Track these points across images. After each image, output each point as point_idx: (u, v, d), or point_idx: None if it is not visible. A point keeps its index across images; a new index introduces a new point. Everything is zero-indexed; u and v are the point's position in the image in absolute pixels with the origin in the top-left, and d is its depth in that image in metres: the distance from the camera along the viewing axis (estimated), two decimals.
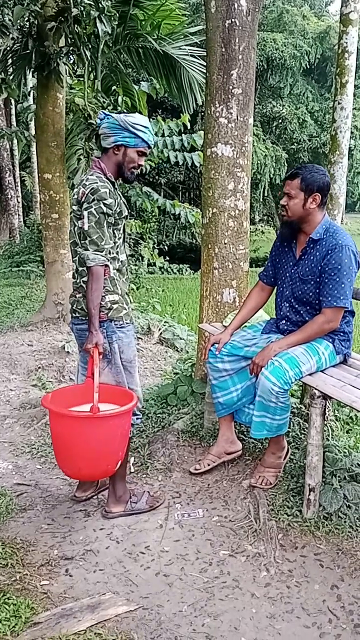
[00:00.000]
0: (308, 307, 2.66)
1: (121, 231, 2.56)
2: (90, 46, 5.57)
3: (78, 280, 2.53)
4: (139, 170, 2.59)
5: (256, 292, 2.91)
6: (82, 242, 2.43)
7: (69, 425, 2.31)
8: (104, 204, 2.39)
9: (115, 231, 2.50)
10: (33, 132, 10.05)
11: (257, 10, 3.08)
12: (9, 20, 4.91)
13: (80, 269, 2.50)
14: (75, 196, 2.48)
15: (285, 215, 2.61)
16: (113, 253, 2.49)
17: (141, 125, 2.46)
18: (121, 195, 2.56)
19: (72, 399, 2.51)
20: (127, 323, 2.55)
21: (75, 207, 2.49)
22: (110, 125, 2.46)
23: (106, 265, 2.41)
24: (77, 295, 2.54)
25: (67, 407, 2.44)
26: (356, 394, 2.36)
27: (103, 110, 2.57)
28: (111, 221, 2.45)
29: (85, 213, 2.38)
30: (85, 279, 2.44)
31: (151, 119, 8.80)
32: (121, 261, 2.57)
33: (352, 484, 2.50)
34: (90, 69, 5.83)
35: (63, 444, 2.36)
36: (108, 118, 2.47)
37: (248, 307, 2.90)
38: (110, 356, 2.49)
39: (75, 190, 2.52)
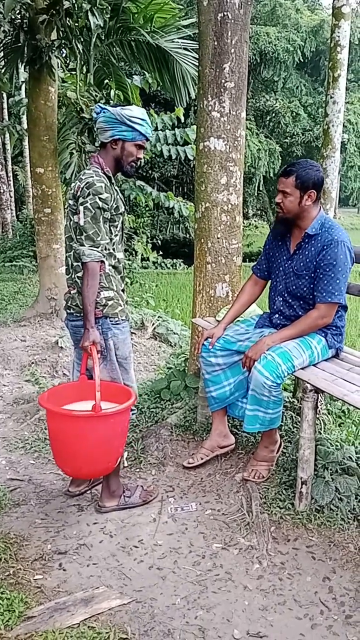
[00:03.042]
0: (301, 302, 2.66)
1: (118, 228, 2.53)
2: (82, 39, 5.53)
3: (73, 276, 2.50)
4: (138, 164, 2.57)
5: (249, 286, 2.91)
6: (78, 237, 2.40)
7: (71, 425, 2.30)
8: (100, 198, 2.36)
9: (111, 227, 2.47)
10: (25, 126, 9.99)
11: (249, 3, 3.06)
12: (0, 13, 4.86)
13: (75, 264, 2.47)
14: (72, 191, 2.45)
15: (281, 213, 2.59)
16: (109, 249, 2.46)
17: (138, 118, 2.42)
18: (118, 190, 2.53)
19: (67, 397, 2.50)
20: (122, 319, 2.54)
21: (71, 202, 2.46)
22: (106, 119, 2.42)
23: (102, 261, 2.39)
24: (72, 292, 2.51)
25: (63, 406, 2.43)
26: (348, 387, 2.37)
27: (99, 104, 2.53)
28: (107, 216, 2.42)
29: (81, 208, 2.36)
30: (80, 274, 2.42)
31: None
32: (118, 258, 2.54)
33: (344, 477, 2.52)
34: (82, 63, 5.79)
35: (64, 444, 2.35)
36: (104, 112, 2.43)
37: (241, 301, 2.90)
38: (105, 353, 2.48)
39: (72, 185, 2.49)
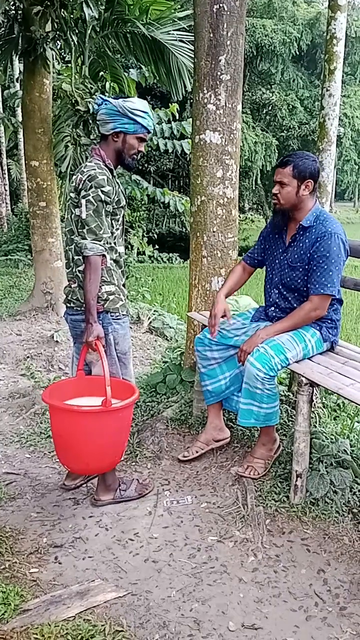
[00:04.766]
0: (296, 294, 2.66)
1: (119, 222, 2.50)
2: (77, 31, 5.49)
3: (73, 270, 2.47)
4: (139, 157, 2.53)
5: (239, 271, 2.90)
6: (80, 230, 2.36)
7: (81, 421, 2.27)
8: (102, 191, 2.33)
9: (113, 221, 2.44)
10: (20, 118, 9.92)
11: None
12: None
13: (76, 258, 2.44)
14: (73, 183, 2.42)
15: (278, 204, 2.59)
16: (110, 243, 2.44)
17: (140, 111, 2.39)
18: (119, 183, 2.50)
19: (67, 393, 2.48)
20: (123, 314, 2.52)
21: (72, 195, 2.42)
22: (108, 111, 2.38)
23: (103, 255, 2.36)
24: (73, 285, 2.48)
25: (64, 402, 2.40)
26: (343, 381, 2.38)
27: (100, 95, 2.49)
28: (109, 210, 2.39)
29: (83, 201, 2.32)
30: (81, 268, 2.39)
31: None
32: (119, 252, 2.51)
33: (339, 470, 2.53)
34: (77, 55, 5.75)
35: (71, 441, 2.31)
36: (106, 103, 2.38)
37: (233, 280, 2.88)
38: (105, 348, 2.47)
39: (73, 177, 2.45)
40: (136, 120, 2.39)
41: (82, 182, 2.35)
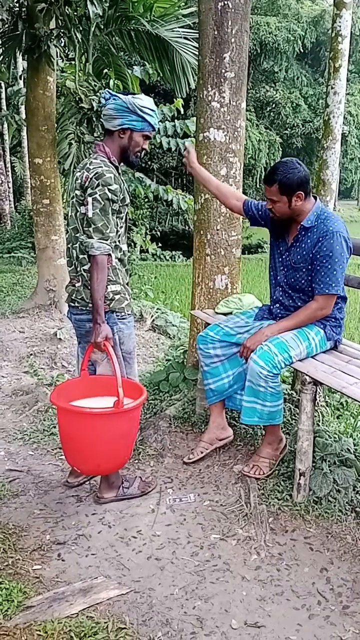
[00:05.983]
0: (300, 294, 2.66)
1: (123, 220, 2.48)
2: (81, 28, 5.49)
3: (78, 269, 2.44)
4: (142, 154, 2.51)
5: (236, 191, 2.97)
6: (85, 229, 2.33)
7: (94, 422, 2.25)
8: (109, 189, 2.30)
9: (117, 219, 2.42)
10: (24, 116, 9.93)
11: None
12: None
13: (80, 256, 2.41)
14: (79, 180, 2.38)
15: (275, 216, 2.60)
16: (115, 241, 2.41)
17: (149, 109, 2.37)
18: (123, 181, 2.48)
19: (73, 393, 2.47)
20: (128, 314, 2.50)
21: (77, 192, 2.39)
22: (117, 106, 2.35)
23: (109, 254, 2.34)
24: (77, 285, 2.45)
25: (70, 403, 2.39)
26: (347, 379, 2.37)
27: (108, 90, 2.47)
28: (115, 208, 2.36)
29: (90, 199, 2.29)
30: (85, 267, 2.37)
31: None
32: (123, 251, 2.50)
33: (342, 469, 2.53)
34: (81, 52, 5.75)
35: (82, 443, 2.30)
36: (114, 99, 2.35)
37: (225, 186, 2.93)
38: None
39: (78, 174, 2.41)
40: (144, 118, 2.37)
41: (89, 179, 2.32)
